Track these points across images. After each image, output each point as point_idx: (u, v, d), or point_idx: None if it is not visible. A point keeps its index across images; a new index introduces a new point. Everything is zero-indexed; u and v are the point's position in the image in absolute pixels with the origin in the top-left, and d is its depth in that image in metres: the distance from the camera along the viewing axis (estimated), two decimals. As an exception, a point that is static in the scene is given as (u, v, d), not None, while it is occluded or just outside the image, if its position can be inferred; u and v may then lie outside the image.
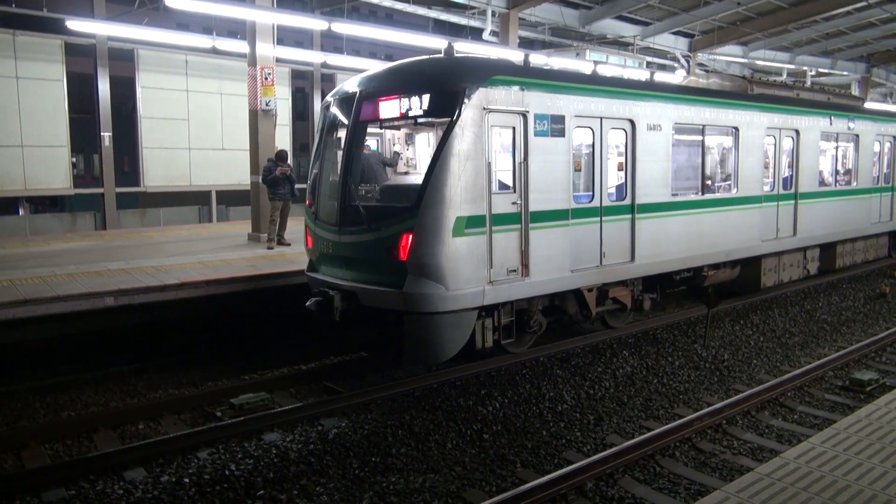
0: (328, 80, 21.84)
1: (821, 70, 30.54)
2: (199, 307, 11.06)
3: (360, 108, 10.94)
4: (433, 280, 9.80)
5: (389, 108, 10.62)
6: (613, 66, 21.51)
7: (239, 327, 11.73)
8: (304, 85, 23.49)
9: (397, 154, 12.45)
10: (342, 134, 11.39)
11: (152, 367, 10.45)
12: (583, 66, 19.01)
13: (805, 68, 29.84)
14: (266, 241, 15.07)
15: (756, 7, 22.89)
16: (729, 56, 27.74)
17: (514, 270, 10.76)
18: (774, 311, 13.34)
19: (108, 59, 16.82)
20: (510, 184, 10.77)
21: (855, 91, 31.74)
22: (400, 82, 10.75)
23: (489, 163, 10.45)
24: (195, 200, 20.44)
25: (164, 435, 8.14)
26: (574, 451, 8.00)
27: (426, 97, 10.21)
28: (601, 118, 11.98)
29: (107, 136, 16.72)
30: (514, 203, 10.79)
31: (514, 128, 10.86)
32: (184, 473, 6.99)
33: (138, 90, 18.07)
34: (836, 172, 17.98)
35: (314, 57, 19.88)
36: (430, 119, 10.61)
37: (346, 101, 11.29)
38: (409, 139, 12.57)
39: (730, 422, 8.64)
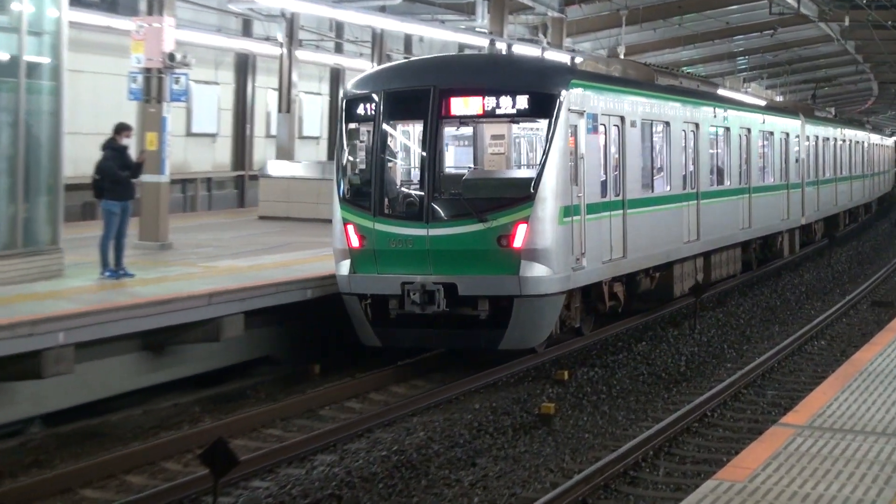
0: None
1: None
2: None
3: (441, 103, 16.65)
4: (544, 264, 16.33)
5: (475, 104, 16.90)
6: None
7: None
8: None
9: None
10: (406, 128, 18.50)
11: None
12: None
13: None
14: None
15: None
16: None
17: (578, 259, 17.32)
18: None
19: None
20: (575, 177, 17.27)
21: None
22: (493, 80, 17.15)
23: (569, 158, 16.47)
24: None
25: None
26: None
27: (524, 97, 16.77)
28: (609, 115, 18.88)
29: None
30: (578, 196, 17.28)
31: (576, 126, 17.40)
32: None
33: None
34: (715, 170, 24.97)
35: None
36: (525, 118, 17.97)
37: (411, 95, 17.08)
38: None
39: None
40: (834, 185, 40.09)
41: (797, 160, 33.18)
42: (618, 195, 19.14)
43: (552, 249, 16.42)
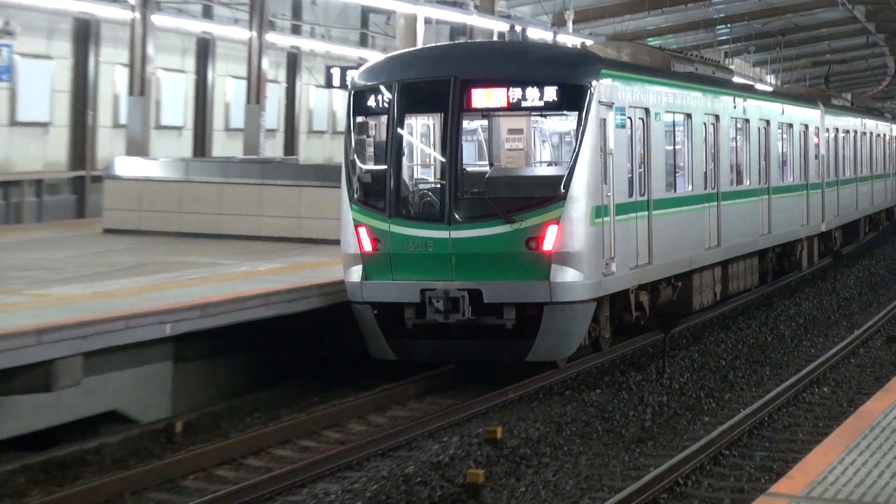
0: None
1: None
2: None
3: (462, 95, 19.80)
4: (576, 269, 19.41)
5: (498, 96, 20.17)
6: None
7: None
8: None
9: None
10: (424, 122, 21.91)
11: None
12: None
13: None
14: None
15: None
16: None
17: (608, 264, 20.23)
18: None
19: None
20: (604, 175, 20.13)
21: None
22: (518, 70, 20.50)
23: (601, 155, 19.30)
24: None
25: None
26: None
27: (552, 89, 19.96)
28: (635, 107, 22.03)
29: None
30: (607, 195, 20.21)
31: (604, 119, 20.24)
32: None
33: None
34: (735, 168, 28.34)
35: None
36: (553, 112, 21.26)
37: (429, 86, 20.33)
38: None
39: None
40: (854, 185, 42.90)
41: (817, 157, 36.56)
42: (643, 195, 22.52)
43: (584, 253, 19.63)
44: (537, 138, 23.57)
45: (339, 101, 55.64)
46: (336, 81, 39.96)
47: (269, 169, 30.38)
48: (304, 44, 49.41)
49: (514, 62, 20.82)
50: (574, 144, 19.71)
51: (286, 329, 19.58)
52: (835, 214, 39.04)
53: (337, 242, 21.42)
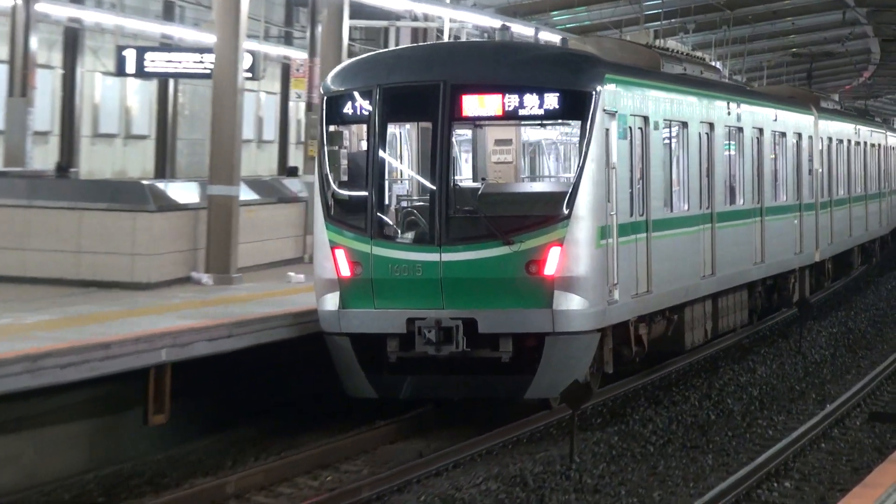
0: None
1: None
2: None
3: (453, 102, 23.70)
4: (581, 296, 23.48)
5: (493, 104, 24.31)
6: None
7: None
8: None
9: None
10: (409, 131, 26.61)
11: None
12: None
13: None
14: None
15: None
16: None
17: (611, 291, 24.29)
18: None
19: None
20: (606, 193, 24.08)
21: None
22: (516, 75, 24.64)
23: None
24: None
25: None
26: None
27: (553, 96, 24.03)
28: (635, 116, 25.55)
29: None
30: (610, 214, 24.24)
31: (607, 130, 24.29)
32: None
33: None
34: (728, 184, 31.58)
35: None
36: (553, 121, 26.20)
37: (416, 92, 24.34)
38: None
39: None
40: (848, 207, 46.83)
41: (811, 172, 41.11)
42: (642, 214, 26.48)
43: (590, 278, 23.42)
44: (534, 150, 27.67)
45: (136, 93, 55.37)
46: (131, 67, 39.84)
47: (39, 186, 30.23)
48: (88, 16, 49.25)
49: (511, 65, 24.68)
50: (578, 157, 23.46)
51: (62, 406, 19.35)
52: (828, 242, 43.58)
53: (135, 287, 21.48)
